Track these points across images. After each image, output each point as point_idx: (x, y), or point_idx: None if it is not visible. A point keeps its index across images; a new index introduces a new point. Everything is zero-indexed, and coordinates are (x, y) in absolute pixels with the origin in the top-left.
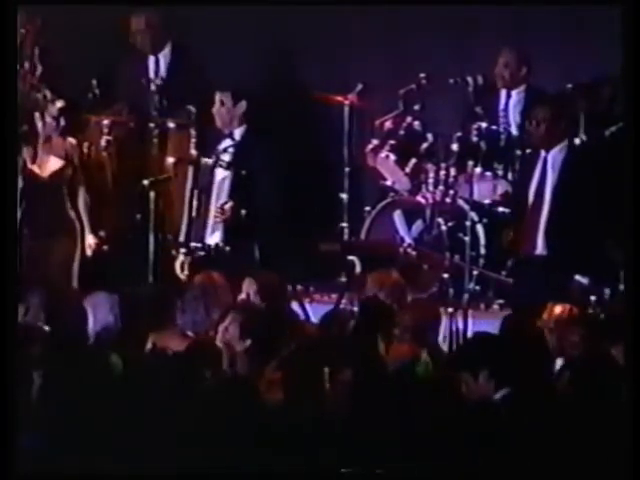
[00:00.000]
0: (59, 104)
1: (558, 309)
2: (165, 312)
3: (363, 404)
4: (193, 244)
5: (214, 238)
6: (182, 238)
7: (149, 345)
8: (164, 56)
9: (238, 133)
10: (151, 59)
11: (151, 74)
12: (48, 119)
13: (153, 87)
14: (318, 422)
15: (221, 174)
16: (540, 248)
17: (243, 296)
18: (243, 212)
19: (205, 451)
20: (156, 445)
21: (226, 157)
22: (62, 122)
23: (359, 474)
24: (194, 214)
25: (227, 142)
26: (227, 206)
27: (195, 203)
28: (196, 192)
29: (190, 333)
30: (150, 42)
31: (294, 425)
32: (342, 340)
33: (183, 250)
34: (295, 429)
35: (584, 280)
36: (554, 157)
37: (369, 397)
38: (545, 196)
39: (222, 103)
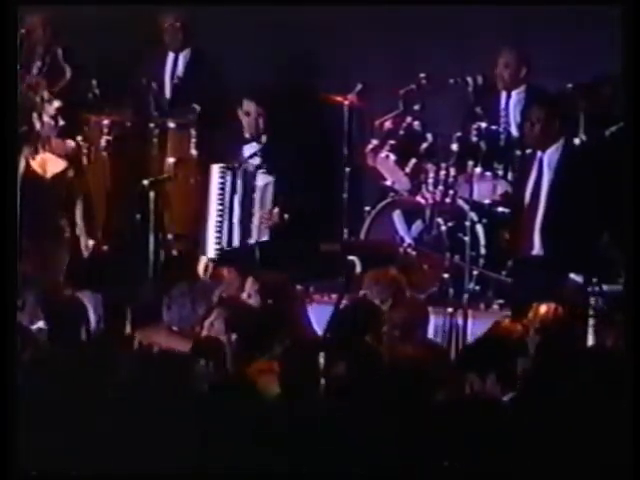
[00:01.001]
0: (56, 104)
1: (547, 309)
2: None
3: (352, 402)
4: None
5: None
6: (216, 241)
7: (136, 343)
8: (183, 56)
9: (264, 138)
10: (171, 57)
11: (167, 73)
12: (46, 119)
13: (155, 86)
14: (310, 420)
15: (263, 179)
16: (537, 248)
17: (244, 295)
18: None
19: (200, 449)
20: (156, 445)
21: (255, 162)
22: (60, 122)
23: (356, 474)
24: (235, 219)
25: (254, 147)
26: (275, 211)
27: (237, 208)
28: (237, 197)
29: (176, 328)
30: (176, 41)
31: (285, 423)
32: (333, 339)
33: (218, 253)
34: (288, 427)
35: (579, 279)
36: (550, 157)
37: (359, 395)
38: (541, 196)
39: (256, 112)
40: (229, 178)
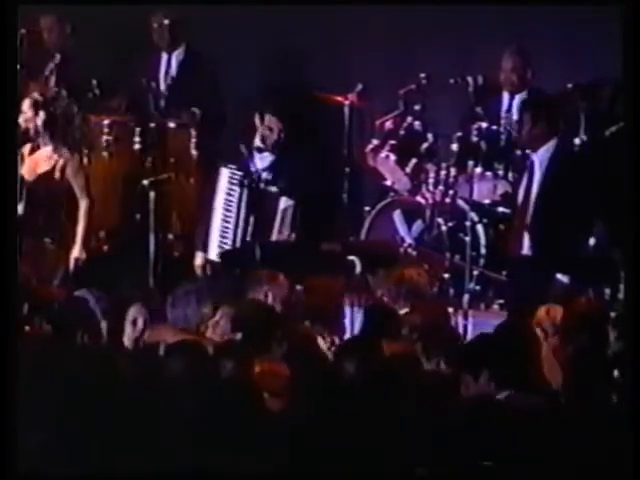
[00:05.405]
0: (55, 104)
1: (553, 310)
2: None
3: (359, 402)
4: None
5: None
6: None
7: (140, 342)
8: (176, 56)
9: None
10: (164, 57)
11: (161, 73)
12: (45, 119)
13: (154, 86)
14: (314, 421)
15: (283, 203)
16: (525, 248)
17: None
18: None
19: (201, 449)
20: (156, 444)
21: (268, 175)
22: (54, 125)
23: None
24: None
25: (267, 159)
26: (292, 235)
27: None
28: (252, 218)
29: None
30: (165, 41)
31: (288, 424)
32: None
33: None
34: (290, 428)
35: (565, 279)
36: (540, 157)
37: (365, 395)
38: (531, 196)
39: (270, 129)
40: (240, 188)
